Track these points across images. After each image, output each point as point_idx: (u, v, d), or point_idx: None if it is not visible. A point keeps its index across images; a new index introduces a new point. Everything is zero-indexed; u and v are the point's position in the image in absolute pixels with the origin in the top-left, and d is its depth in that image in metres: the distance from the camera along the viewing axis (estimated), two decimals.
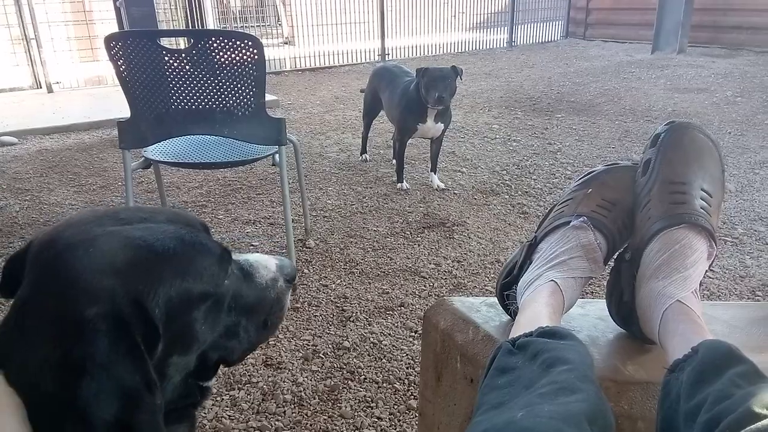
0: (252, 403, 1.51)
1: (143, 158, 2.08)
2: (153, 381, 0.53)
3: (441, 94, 2.81)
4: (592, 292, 1.90)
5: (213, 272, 0.63)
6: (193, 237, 0.63)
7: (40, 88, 5.97)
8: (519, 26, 9.58)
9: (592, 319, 0.95)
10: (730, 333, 0.90)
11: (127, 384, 0.51)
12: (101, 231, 0.58)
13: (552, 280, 0.82)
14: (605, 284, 0.91)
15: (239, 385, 1.58)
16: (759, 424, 0.50)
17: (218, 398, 1.53)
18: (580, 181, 0.92)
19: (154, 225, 0.61)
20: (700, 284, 0.81)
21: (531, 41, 9.68)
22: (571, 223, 0.86)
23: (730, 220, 2.57)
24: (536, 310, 0.77)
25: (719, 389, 0.56)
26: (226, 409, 1.50)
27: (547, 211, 0.97)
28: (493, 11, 10.62)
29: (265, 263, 0.73)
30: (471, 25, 10.82)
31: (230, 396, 1.54)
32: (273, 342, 1.76)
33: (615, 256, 0.91)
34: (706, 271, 0.82)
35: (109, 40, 1.83)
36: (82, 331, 0.51)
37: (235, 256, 0.71)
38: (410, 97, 2.96)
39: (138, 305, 0.55)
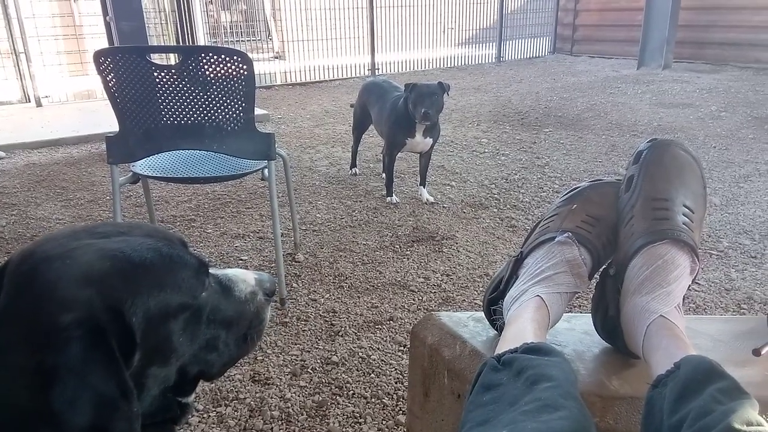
0: (239, 420, 1.50)
1: (131, 173, 2.07)
2: (129, 388, 0.52)
3: (427, 110, 2.84)
4: (579, 306, 1.91)
5: (190, 284, 0.63)
6: (170, 249, 0.63)
7: (29, 102, 5.95)
8: (507, 42, 9.70)
9: (577, 334, 0.95)
10: (714, 347, 0.91)
11: (101, 390, 0.50)
12: (78, 244, 0.59)
13: (537, 296, 0.82)
14: (591, 299, 0.92)
15: (226, 402, 1.56)
16: None
17: (205, 415, 1.52)
18: (565, 197, 0.94)
19: (131, 238, 0.62)
20: (684, 298, 0.82)
21: (519, 57, 9.80)
22: (556, 239, 0.87)
23: (715, 234, 2.60)
24: (522, 326, 0.77)
25: (700, 405, 0.57)
26: (213, 426, 1.48)
27: (533, 226, 0.98)
28: (481, 27, 10.73)
29: (244, 277, 0.74)
30: (460, 41, 10.92)
31: (217, 412, 1.52)
32: (261, 357, 1.75)
33: (600, 271, 0.92)
34: (690, 286, 0.83)
35: (99, 55, 1.84)
36: (56, 338, 0.51)
37: (214, 270, 0.72)
38: (399, 112, 2.99)
39: (115, 313, 0.55)
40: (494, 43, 9.63)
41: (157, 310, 0.59)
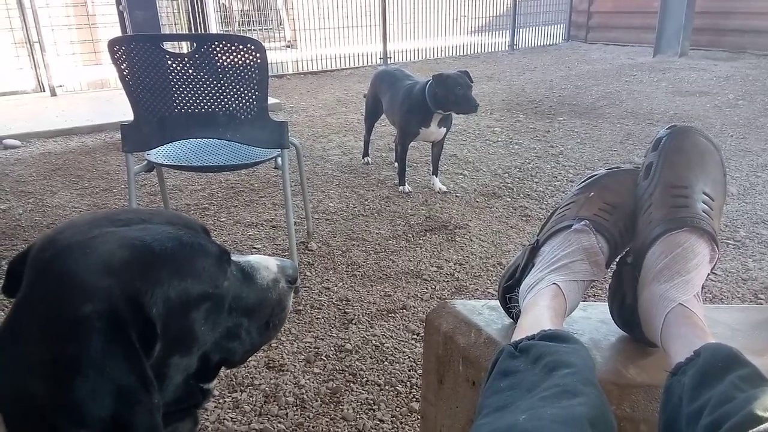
0: (254, 406, 1.52)
1: (146, 161, 2.08)
2: (149, 379, 0.52)
3: (475, 100, 2.82)
4: (595, 295, 1.90)
5: (212, 273, 0.63)
6: (191, 238, 0.63)
7: (44, 91, 5.99)
8: (521, 30, 9.59)
9: (594, 322, 0.95)
10: (732, 336, 0.90)
11: (122, 382, 0.50)
12: (98, 232, 0.58)
13: (554, 284, 0.82)
14: (607, 287, 0.92)
15: (241, 387, 1.58)
16: (761, 427, 0.51)
17: (220, 400, 1.53)
18: (582, 184, 0.93)
19: (152, 226, 0.61)
20: (703, 287, 0.81)
21: (533, 44, 9.69)
22: (573, 227, 0.86)
23: (733, 223, 2.57)
24: (538, 314, 0.77)
25: (721, 392, 0.56)
26: (229, 411, 1.50)
27: (549, 214, 0.97)
28: (495, 15, 10.62)
29: (266, 264, 0.73)
30: (473, 29, 10.82)
31: (232, 398, 1.54)
32: (275, 344, 1.76)
33: (617, 260, 0.91)
34: (708, 275, 0.82)
35: (113, 44, 1.84)
36: (77, 329, 0.51)
37: (236, 257, 0.71)
38: (414, 100, 2.96)
39: (135, 304, 0.54)
40: (507, 31, 9.53)
41: (178, 300, 0.59)
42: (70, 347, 0.50)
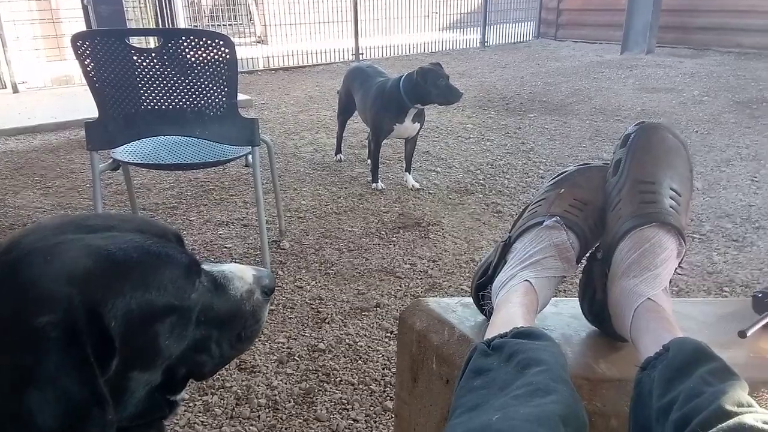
0: (225, 408, 1.49)
1: (112, 159, 2.03)
2: (103, 394, 0.51)
3: (459, 90, 2.89)
4: (566, 290, 1.93)
5: (179, 284, 0.60)
6: (159, 248, 0.60)
7: (5, 88, 5.81)
8: (491, 27, 9.66)
9: (565, 318, 0.95)
10: (699, 329, 0.91)
11: (75, 396, 0.49)
12: (63, 239, 0.56)
13: (526, 280, 0.82)
14: (578, 283, 0.92)
15: (212, 390, 1.55)
16: (730, 421, 0.51)
17: (191, 404, 1.50)
18: (553, 181, 0.93)
19: (118, 234, 0.59)
20: (670, 281, 0.82)
21: (503, 41, 9.77)
22: (544, 223, 0.87)
23: (698, 218, 2.63)
24: (511, 311, 0.77)
25: (690, 387, 0.57)
26: (199, 414, 1.47)
27: (520, 210, 0.98)
28: (466, 11, 10.68)
29: (241, 274, 0.70)
30: (444, 25, 10.87)
31: (203, 401, 1.51)
32: None
33: (587, 255, 0.91)
34: (676, 269, 0.83)
35: (76, 39, 1.79)
36: (31, 339, 0.49)
37: (210, 266, 0.68)
38: (388, 96, 2.95)
39: (93, 315, 0.53)
40: (478, 28, 9.59)
41: (141, 312, 0.56)
42: (24, 357, 0.49)
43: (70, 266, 0.54)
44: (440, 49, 9.04)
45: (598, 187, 0.90)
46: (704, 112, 4.59)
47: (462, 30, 10.05)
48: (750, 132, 3.98)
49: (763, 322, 0.85)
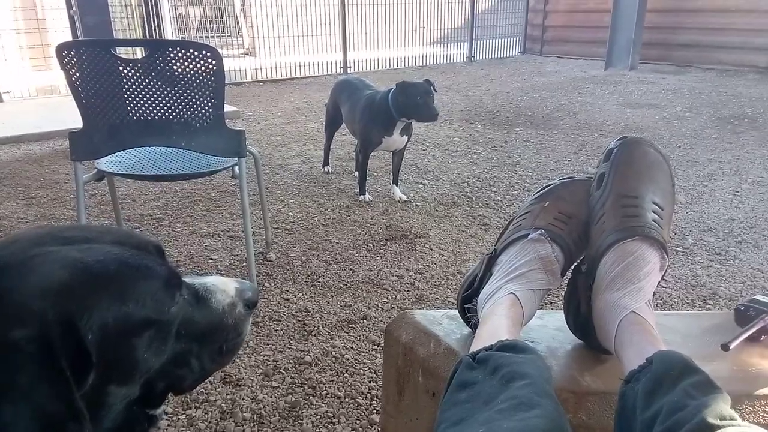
0: (209, 423, 1.47)
1: (96, 170, 2.01)
2: (79, 409, 0.50)
3: (435, 107, 2.88)
4: (551, 303, 1.93)
5: (157, 297, 0.59)
6: (137, 260, 0.60)
7: None
8: (478, 42, 9.77)
9: (550, 330, 0.96)
10: (683, 342, 0.92)
11: (50, 410, 0.48)
12: (39, 251, 0.56)
13: (511, 293, 0.82)
14: (563, 296, 0.93)
15: (196, 404, 1.53)
16: None
17: (174, 418, 1.48)
18: (538, 194, 0.94)
19: (96, 246, 0.58)
20: (654, 294, 0.83)
21: (490, 56, 9.88)
22: (529, 236, 0.87)
23: (681, 231, 2.66)
24: (496, 323, 0.77)
25: (674, 400, 0.57)
26: (183, 429, 1.45)
27: (506, 223, 0.98)
28: (453, 27, 10.79)
29: (223, 287, 0.70)
30: (432, 40, 10.97)
31: (187, 415, 1.49)
32: None
33: (572, 268, 0.92)
34: (659, 282, 0.84)
35: (61, 49, 1.78)
36: (6, 353, 0.49)
37: (192, 278, 0.68)
38: (376, 109, 2.96)
39: (69, 329, 0.52)
40: (466, 43, 9.69)
41: (117, 326, 0.55)
42: None
43: (46, 279, 0.53)
44: (428, 63, 9.12)
45: (582, 200, 0.91)
46: (687, 127, 4.66)
47: (449, 45, 10.15)
48: (732, 147, 4.05)
49: (746, 335, 0.86)
